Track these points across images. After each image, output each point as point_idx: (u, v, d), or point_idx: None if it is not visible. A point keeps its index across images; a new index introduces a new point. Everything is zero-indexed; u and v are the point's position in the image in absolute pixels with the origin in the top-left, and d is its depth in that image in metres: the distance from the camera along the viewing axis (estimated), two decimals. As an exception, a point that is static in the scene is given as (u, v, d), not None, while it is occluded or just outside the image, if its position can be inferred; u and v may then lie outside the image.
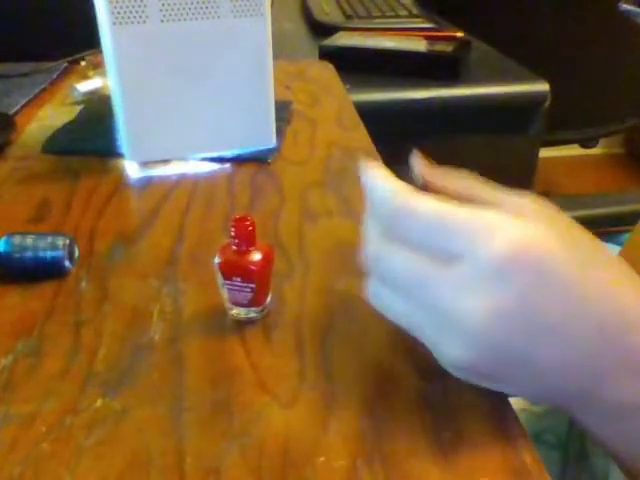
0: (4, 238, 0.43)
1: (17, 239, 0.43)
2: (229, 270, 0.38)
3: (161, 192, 0.55)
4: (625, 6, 1.16)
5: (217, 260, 0.38)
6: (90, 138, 0.65)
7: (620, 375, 0.31)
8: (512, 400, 0.34)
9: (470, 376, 0.32)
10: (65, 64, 0.87)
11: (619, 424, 0.33)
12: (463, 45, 1.15)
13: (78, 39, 0.81)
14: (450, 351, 0.30)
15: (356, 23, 1.30)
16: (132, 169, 0.59)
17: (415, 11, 1.37)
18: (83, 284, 0.43)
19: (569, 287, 0.30)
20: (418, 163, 0.36)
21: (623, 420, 0.32)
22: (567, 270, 0.30)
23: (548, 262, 0.29)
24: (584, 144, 2.13)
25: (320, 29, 1.30)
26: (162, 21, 0.54)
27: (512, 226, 0.29)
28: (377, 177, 0.33)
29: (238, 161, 0.61)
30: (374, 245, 0.32)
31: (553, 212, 0.32)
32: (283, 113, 0.69)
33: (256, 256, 0.38)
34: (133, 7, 0.52)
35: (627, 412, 0.32)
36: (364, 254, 0.33)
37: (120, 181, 0.58)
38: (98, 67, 0.80)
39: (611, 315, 0.30)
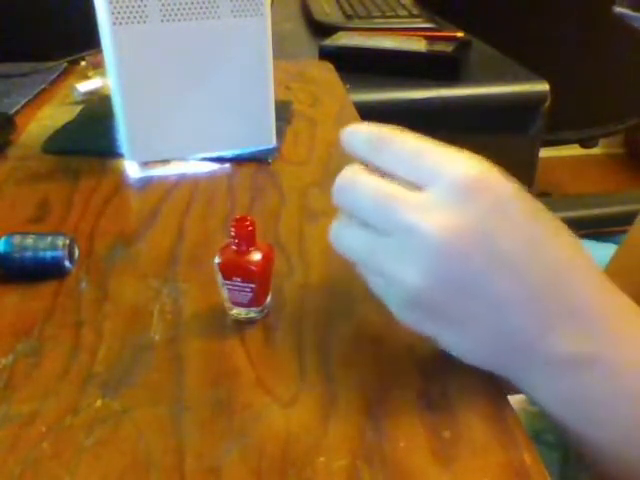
0: (4, 238, 0.43)
1: (17, 239, 0.43)
2: (229, 270, 0.38)
3: (161, 192, 0.55)
4: (619, 9, 1.16)
5: (217, 260, 0.38)
6: (90, 138, 0.65)
7: (563, 325, 0.31)
8: (512, 400, 0.34)
9: (419, 314, 0.32)
10: (65, 64, 0.87)
11: (559, 383, 0.33)
12: (463, 45, 1.15)
13: (78, 39, 0.81)
14: (407, 277, 0.31)
15: (356, 23, 1.30)
16: (132, 169, 0.59)
17: (415, 11, 1.37)
18: (83, 284, 0.43)
19: (525, 225, 0.31)
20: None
21: (563, 378, 0.32)
22: (525, 209, 0.32)
23: (508, 193, 0.31)
24: (584, 144, 2.13)
25: (320, 29, 1.30)
26: (162, 21, 0.53)
27: (478, 160, 0.31)
28: (361, 125, 0.35)
29: (238, 161, 0.61)
30: (347, 176, 0.33)
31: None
32: (283, 113, 0.69)
33: (256, 256, 0.38)
34: (133, 7, 0.52)
35: (567, 368, 0.32)
36: (334, 187, 0.34)
37: (120, 181, 0.58)
38: (98, 67, 0.80)
39: (562, 262, 0.32)
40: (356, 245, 0.33)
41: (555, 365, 0.32)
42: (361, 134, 0.34)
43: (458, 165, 0.31)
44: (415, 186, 0.31)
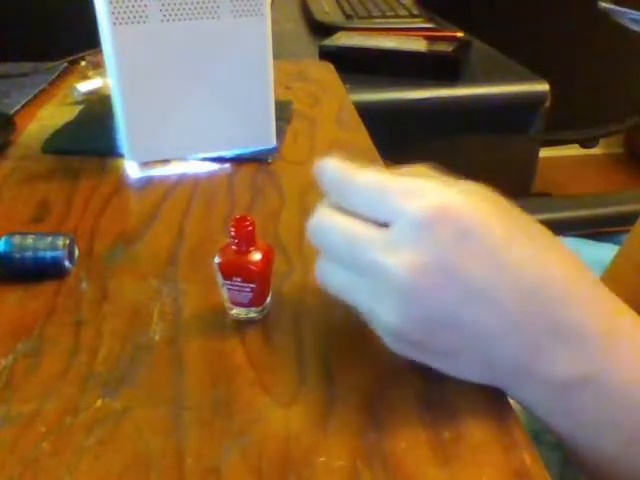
0: (4, 238, 0.43)
1: (17, 239, 0.43)
2: (229, 270, 0.38)
3: (161, 192, 0.55)
4: (604, 4, 1.15)
5: (217, 260, 0.38)
6: (90, 138, 0.65)
7: (553, 347, 0.31)
8: (512, 400, 0.34)
9: (407, 346, 0.32)
10: (65, 64, 0.87)
11: (556, 400, 0.32)
12: (463, 45, 1.15)
13: (78, 39, 0.81)
14: (384, 316, 0.31)
15: (356, 23, 1.30)
16: (132, 169, 0.59)
17: (415, 11, 1.37)
18: (83, 284, 0.43)
19: (492, 251, 0.30)
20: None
21: (559, 396, 0.32)
22: (491, 235, 0.30)
23: (469, 223, 0.30)
24: (584, 144, 2.13)
25: (320, 29, 1.30)
26: (162, 21, 0.53)
27: (440, 191, 0.31)
28: (328, 162, 0.35)
29: (238, 161, 0.61)
30: (317, 217, 0.34)
31: (493, 194, 0.33)
32: (283, 113, 0.69)
33: (256, 256, 0.38)
34: (133, 7, 0.52)
35: (561, 388, 0.32)
36: (308, 229, 0.35)
37: (120, 181, 0.58)
38: (98, 67, 0.80)
39: (539, 284, 0.31)
40: (336, 283, 0.34)
41: (549, 385, 0.32)
42: (327, 173, 0.34)
43: (417, 200, 0.30)
44: (381, 223, 0.32)
